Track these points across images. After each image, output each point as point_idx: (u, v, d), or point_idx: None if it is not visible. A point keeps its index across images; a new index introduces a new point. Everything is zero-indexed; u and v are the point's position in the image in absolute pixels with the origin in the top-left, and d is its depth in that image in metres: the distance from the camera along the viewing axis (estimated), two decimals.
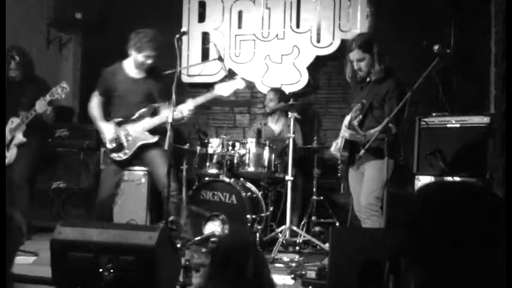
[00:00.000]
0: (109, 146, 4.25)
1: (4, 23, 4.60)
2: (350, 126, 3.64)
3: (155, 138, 4.18)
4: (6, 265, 1.71)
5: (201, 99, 4.21)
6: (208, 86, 5.88)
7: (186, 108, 4.10)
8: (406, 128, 3.93)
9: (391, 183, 3.55)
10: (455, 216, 1.13)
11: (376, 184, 3.62)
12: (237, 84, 4.21)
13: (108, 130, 4.26)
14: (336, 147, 3.85)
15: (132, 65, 4.26)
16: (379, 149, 3.52)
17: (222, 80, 5.14)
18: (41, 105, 4.49)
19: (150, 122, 4.19)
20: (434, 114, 4.32)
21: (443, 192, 1.20)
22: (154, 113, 4.21)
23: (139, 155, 4.25)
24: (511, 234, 1.12)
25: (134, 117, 4.21)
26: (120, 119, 4.25)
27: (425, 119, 4.27)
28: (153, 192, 5.29)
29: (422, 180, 4.25)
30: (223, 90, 4.19)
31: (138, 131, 4.19)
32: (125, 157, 4.22)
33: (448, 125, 4.22)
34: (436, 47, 3.22)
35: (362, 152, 3.13)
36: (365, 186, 3.70)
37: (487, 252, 1.13)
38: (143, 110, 4.18)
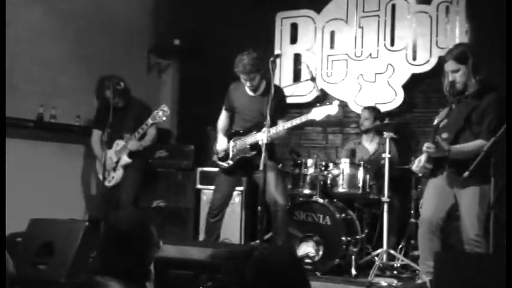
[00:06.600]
0: (218, 154, 4.55)
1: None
2: (434, 141, 3.46)
3: (252, 153, 4.35)
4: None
5: (294, 122, 4.26)
6: (301, 107, 5.95)
7: (276, 129, 4.20)
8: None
9: (496, 206, 3.32)
10: None
11: (483, 214, 3.40)
12: (331, 109, 4.20)
13: (221, 142, 4.57)
14: (418, 164, 3.63)
15: None
16: (482, 171, 3.23)
17: (315, 101, 5.17)
18: (133, 144, 4.84)
19: (251, 138, 4.38)
20: None
21: None
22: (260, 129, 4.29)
23: (241, 167, 4.48)
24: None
25: (243, 131, 4.45)
26: (234, 131, 4.54)
27: None
28: (248, 211, 5.41)
29: None
30: (317, 114, 4.21)
31: (242, 145, 4.42)
32: (227, 166, 4.49)
33: None
34: None
35: (466, 173, 2.95)
36: (471, 215, 3.47)
37: None
38: (250, 125, 4.41)
